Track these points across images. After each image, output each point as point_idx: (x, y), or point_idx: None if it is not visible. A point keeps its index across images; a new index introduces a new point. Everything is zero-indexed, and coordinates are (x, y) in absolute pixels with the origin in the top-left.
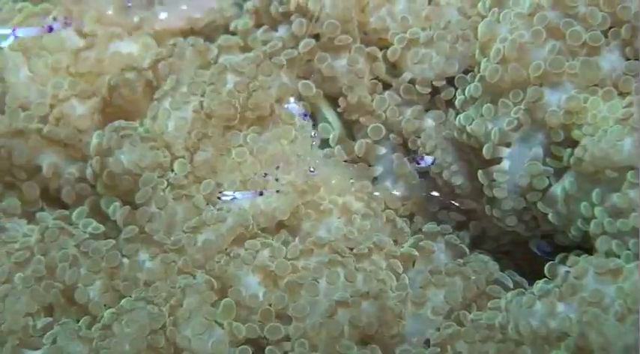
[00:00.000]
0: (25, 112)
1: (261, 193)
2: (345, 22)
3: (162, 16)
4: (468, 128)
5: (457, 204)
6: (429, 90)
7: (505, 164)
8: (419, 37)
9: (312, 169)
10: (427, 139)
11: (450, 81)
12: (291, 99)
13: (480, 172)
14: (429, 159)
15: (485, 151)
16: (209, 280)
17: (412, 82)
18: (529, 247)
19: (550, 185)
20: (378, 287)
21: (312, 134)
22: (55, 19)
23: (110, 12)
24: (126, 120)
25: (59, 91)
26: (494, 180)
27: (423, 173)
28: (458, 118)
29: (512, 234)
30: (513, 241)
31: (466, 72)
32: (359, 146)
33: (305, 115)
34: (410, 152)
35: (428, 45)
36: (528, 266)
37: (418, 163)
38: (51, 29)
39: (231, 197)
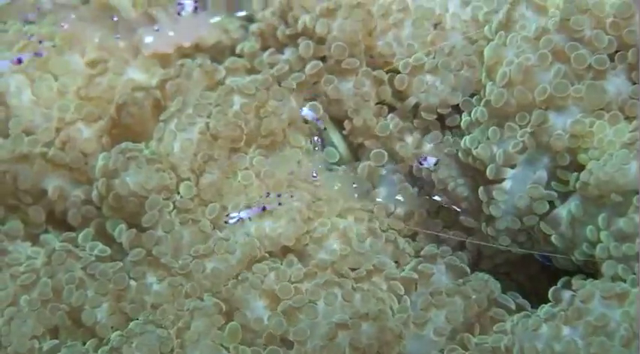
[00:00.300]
0: (30, 136)
1: (264, 208)
2: (353, 45)
3: (148, 40)
4: (474, 151)
5: (460, 213)
6: (434, 117)
7: (507, 184)
8: (424, 64)
9: (314, 175)
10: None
11: (455, 106)
12: (306, 105)
13: (481, 188)
14: (431, 160)
15: (489, 172)
16: (217, 304)
17: (417, 106)
18: (528, 268)
19: (554, 207)
20: (377, 307)
21: (316, 144)
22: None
23: (97, 39)
24: (134, 141)
25: (65, 115)
26: (493, 198)
27: (426, 192)
28: (464, 140)
29: (506, 253)
30: (510, 262)
31: (472, 95)
32: (361, 169)
33: (319, 121)
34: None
35: (433, 72)
36: (530, 286)
37: (421, 164)
38: (19, 61)
39: (237, 218)
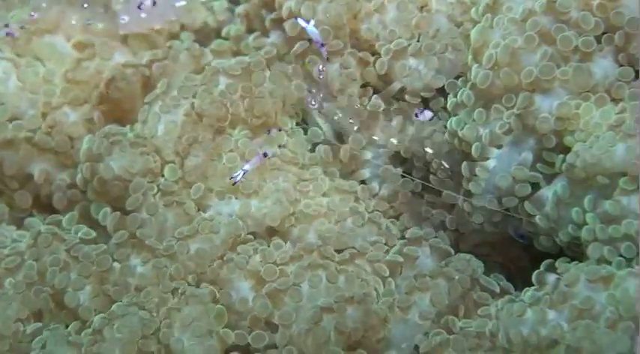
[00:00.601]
0: (15, 121)
1: (265, 155)
2: (337, 28)
3: (123, 20)
4: (460, 133)
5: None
6: (418, 100)
7: (490, 163)
8: (407, 48)
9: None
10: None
11: (439, 89)
12: (312, 21)
13: (464, 163)
14: (428, 113)
15: (474, 150)
16: (212, 292)
17: (402, 90)
18: (508, 250)
19: (539, 188)
20: (361, 290)
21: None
22: (6, 25)
23: (74, 22)
24: (123, 118)
25: (52, 99)
26: (475, 175)
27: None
28: (450, 121)
29: (483, 233)
30: (489, 243)
31: (457, 77)
32: (344, 152)
33: (321, 45)
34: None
35: (416, 56)
36: (513, 268)
37: (417, 116)
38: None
39: (242, 173)
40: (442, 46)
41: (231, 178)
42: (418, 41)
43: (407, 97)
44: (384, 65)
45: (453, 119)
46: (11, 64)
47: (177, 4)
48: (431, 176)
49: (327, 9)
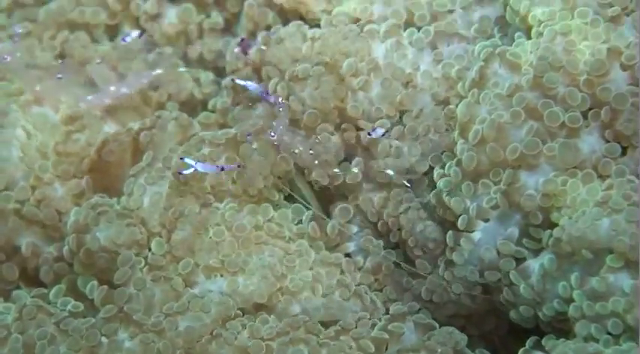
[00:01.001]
0: (4, 192)
1: (222, 169)
2: (325, 113)
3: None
4: (447, 200)
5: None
6: (404, 181)
7: (476, 235)
8: (390, 128)
9: None
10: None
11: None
12: (249, 81)
13: (450, 232)
14: (379, 130)
15: (460, 222)
16: None
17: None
18: (483, 323)
19: (523, 262)
20: None
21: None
22: None
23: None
24: (111, 189)
25: (44, 175)
26: (459, 245)
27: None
28: (438, 184)
29: (458, 305)
30: (464, 315)
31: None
32: (331, 228)
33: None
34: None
35: (400, 139)
36: (496, 343)
37: (369, 135)
38: None
39: (193, 169)
40: (425, 127)
41: (180, 173)
42: (401, 119)
43: (390, 172)
44: (370, 143)
45: (441, 181)
46: (25, 134)
47: (154, 73)
48: (407, 250)
49: (313, 96)
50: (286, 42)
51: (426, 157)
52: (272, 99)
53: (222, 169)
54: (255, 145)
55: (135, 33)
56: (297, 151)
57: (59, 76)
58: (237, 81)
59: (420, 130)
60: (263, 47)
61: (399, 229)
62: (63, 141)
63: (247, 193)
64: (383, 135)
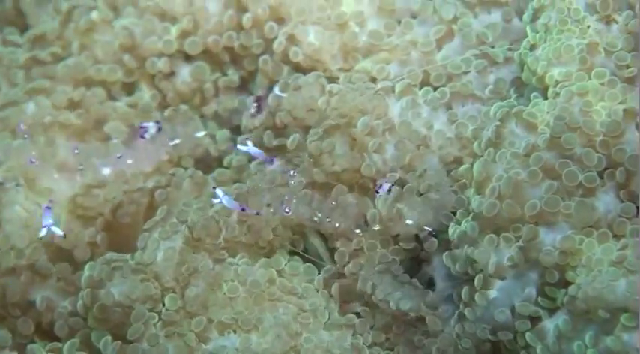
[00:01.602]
0: (16, 248)
1: (243, 209)
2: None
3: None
4: (469, 251)
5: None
6: (413, 244)
7: (492, 293)
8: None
9: None
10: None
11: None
12: (249, 142)
13: (465, 288)
14: (385, 186)
15: (477, 281)
16: None
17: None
18: None
19: (537, 321)
20: None
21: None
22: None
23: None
24: (124, 246)
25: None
26: (474, 300)
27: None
28: (455, 232)
29: None
30: None
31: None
32: (335, 291)
33: (264, 157)
34: None
35: (399, 200)
36: None
37: (377, 192)
38: None
39: (219, 201)
40: (425, 186)
41: (212, 204)
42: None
43: (401, 243)
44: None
45: (468, 224)
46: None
47: (172, 143)
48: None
49: (334, 166)
50: (303, 90)
51: (429, 213)
52: (274, 166)
53: (244, 209)
54: (266, 199)
55: (153, 127)
56: (315, 219)
57: (75, 150)
58: (239, 147)
59: (420, 189)
60: (279, 93)
61: None
62: (83, 194)
63: (258, 245)
64: (389, 190)
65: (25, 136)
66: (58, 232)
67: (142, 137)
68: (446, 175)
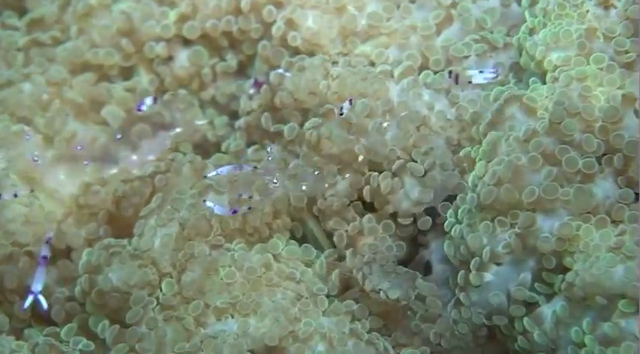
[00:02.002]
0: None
1: (235, 212)
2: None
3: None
4: (468, 237)
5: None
6: (410, 220)
7: (487, 276)
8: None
9: None
10: None
11: (428, 211)
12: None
13: (461, 272)
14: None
15: (473, 264)
16: None
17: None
18: None
19: (533, 307)
20: None
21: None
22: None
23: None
24: (123, 233)
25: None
26: (469, 284)
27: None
28: (454, 229)
29: (465, 352)
30: None
31: (449, 200)
32: (334, 278)
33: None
34: None
35: (403, 174)
36: None
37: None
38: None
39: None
40: (431, 163)
41: (205, 176)
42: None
43: (399, 219)
44: (384, 186)
45: (458, 227)
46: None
47: (172, 133)
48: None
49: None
50: (307, 72)
51: (431, 191)
52: (246, 168)
53: (235, 211)
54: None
55: (149, 100)
56: (304, 187)
57: (85, 162)
58: (209, 175)
59: (426, 165)
60: (283, 72)
61: None
62: (83, 193)
63: (256, 231)
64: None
65: (27, 137)
66: (43, 304)
67: (139, 110)
68: (451, 156)
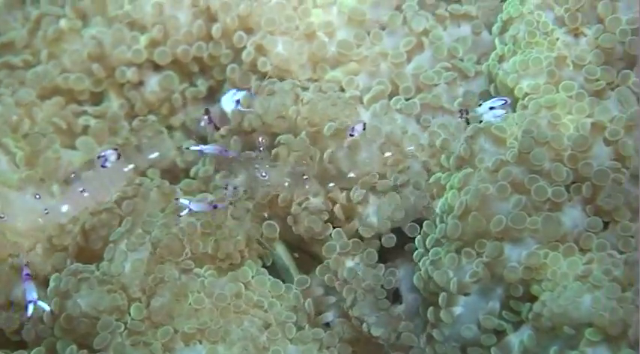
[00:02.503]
0: None
1: (215, 206)
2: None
3: (64, 208)
4: (434, 274)
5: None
6: (372, 233)
7: (457, 310)
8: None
9: None
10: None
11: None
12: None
13: (430, 308)
14: (359, 127)
15: (441, 300)
16: None
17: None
18: None
19: (503, 335)
20: None
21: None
22: None
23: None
24: (90, 258)
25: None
26: (441, 320)
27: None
28: (423, 263)
29: None
30: None
31: (418, 221)
32: (308, 305)
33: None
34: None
35: (377, 194)
36: None
37: (351, 135)
38: None
39: (187, 208)
40: (404, 181)
41: (179, 215)
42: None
43: (361, 229)
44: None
45: (431, 253)
46: None
47: (126, 169)
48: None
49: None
50: (277, 96)
51: (402, 211)
52: (231, 154)
53: (215, 206)
54: (230, 211)
55: (112, 154)
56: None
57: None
58: (193, 147)
59: (399, 182)
60: (253, 94)
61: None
62: (58, 235)
63: (228, 257)
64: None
65: None
66: (45, 307)
67: (103, 166)
68: (426, 177)
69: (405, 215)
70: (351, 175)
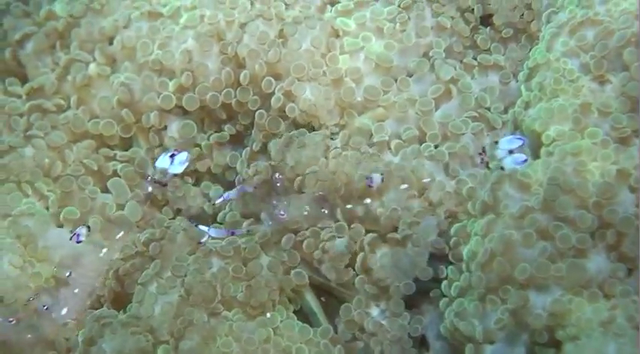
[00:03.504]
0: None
1: (232, 233)
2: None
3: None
4: (460, 324)
5: None
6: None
7: None
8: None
9: None
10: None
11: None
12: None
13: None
14: (377, 177)
15: (468, 352)
16: None
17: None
18: None
19: None
20: None
21: None
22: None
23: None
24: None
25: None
26: None
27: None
28: (448, 312)
29: None
30: None
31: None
32: (339, 352)
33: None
34: None
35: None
36: None
37: (370, 186)
38: None
39: (206, 234)
40: (407, 235)
41: (199, 243)
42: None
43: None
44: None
45: (454, 304)
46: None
47: (101, 254)
48: None
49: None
50: (308, 149)
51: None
52: (249, 189)
53: (233, 233)
54: (265, 262)
55: (83, 229)
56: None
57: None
58: (218, 201)
59: (400, 239)
60: (284, 148)
61: None
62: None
63: (261, 306)
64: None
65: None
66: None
67: (78, 243)
68: (435, 234)
69: (401, 272)
70: (380, 210)
